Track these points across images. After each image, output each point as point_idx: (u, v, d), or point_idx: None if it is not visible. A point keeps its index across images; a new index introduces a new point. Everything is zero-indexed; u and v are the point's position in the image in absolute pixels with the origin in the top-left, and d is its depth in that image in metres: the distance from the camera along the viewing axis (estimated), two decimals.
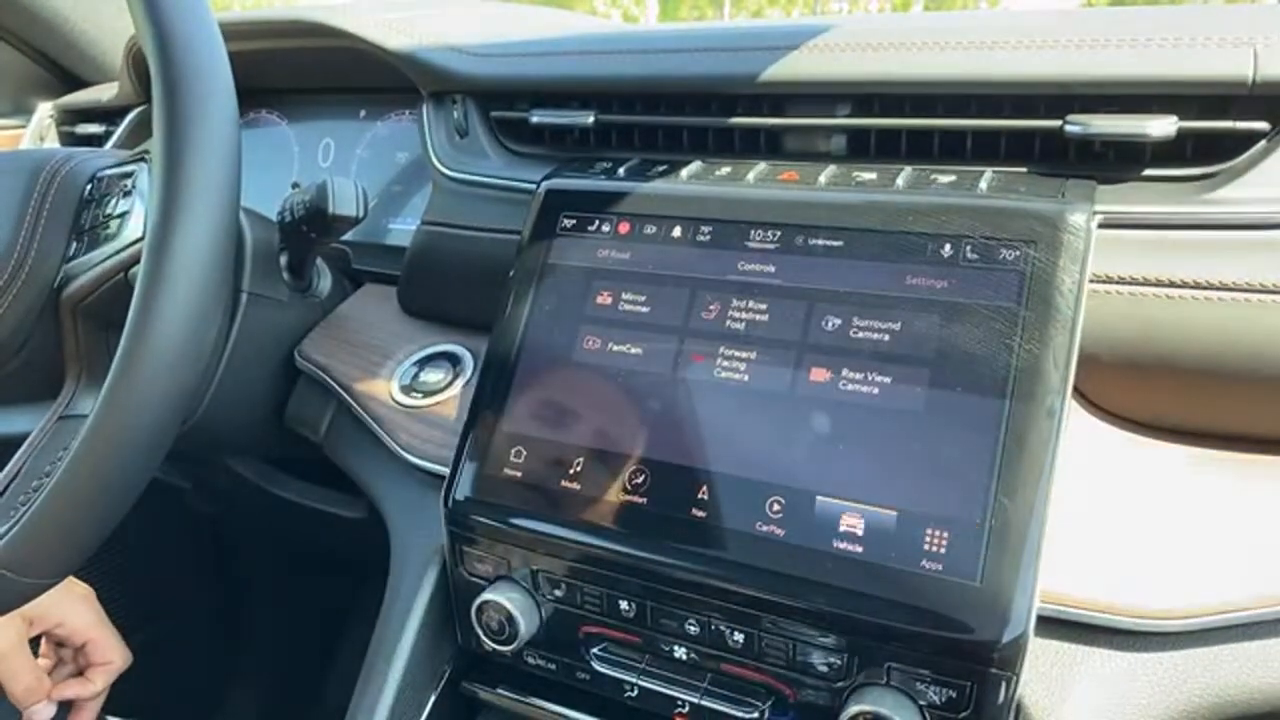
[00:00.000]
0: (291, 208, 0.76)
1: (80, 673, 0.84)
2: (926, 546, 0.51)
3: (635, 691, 0.61)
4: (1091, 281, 0.56)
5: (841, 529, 0.53)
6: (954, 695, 0.51)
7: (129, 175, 0.73)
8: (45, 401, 0.71)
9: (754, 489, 0.56)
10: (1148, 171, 0.61)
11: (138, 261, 0.55)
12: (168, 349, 0.49)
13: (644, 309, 0.63)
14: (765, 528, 0.55)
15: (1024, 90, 0.62)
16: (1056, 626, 0.53)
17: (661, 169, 0.69)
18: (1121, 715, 0.53)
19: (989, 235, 0.56)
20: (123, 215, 0.71)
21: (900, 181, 0.61)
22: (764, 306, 0.59)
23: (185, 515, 1.22)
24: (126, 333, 0.49)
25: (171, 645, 1.26)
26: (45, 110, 1.28)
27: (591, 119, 0.75)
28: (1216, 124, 0.58)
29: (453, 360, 0.77)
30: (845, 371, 0.56)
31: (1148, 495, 0.56)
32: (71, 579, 0.82)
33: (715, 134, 0.73)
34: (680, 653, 0.60)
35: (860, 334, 0.57)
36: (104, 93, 1.17)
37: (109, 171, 0.74)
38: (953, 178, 0.61)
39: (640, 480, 0.59)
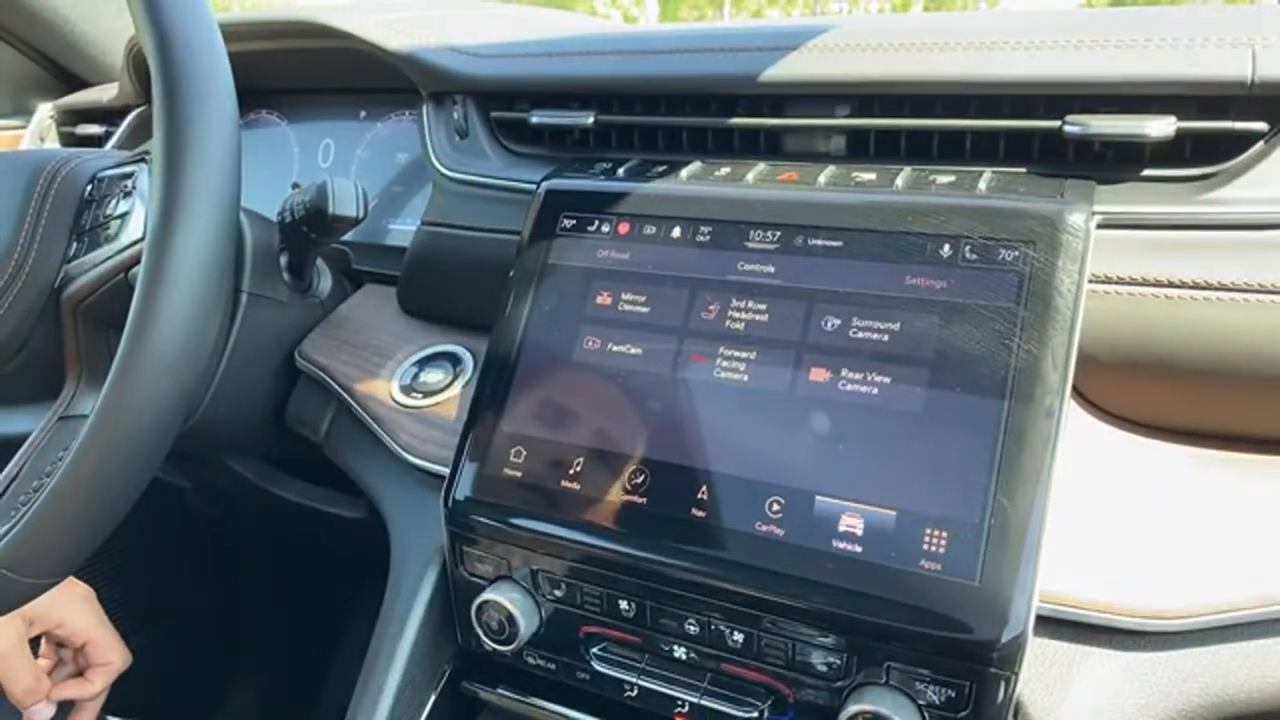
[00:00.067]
0: (291, 208, 0.76)
1: (80, 673, 0.84)
2: (926, 546, 0.51)
3: (635, 691, 0.61)
4: (1090, 282, 0.56)
5: (841, 529, 0.53)
6: (953, 695, 0.51)
7: (129, 176, 0.73)
8: (46, 402, 0.71)
9: (753, 489, 0.56)
10: (1147, 172, 0.61)
11: (138, 262, 0.55)
12: (168, 349, 0.49)
13: (644, 309, 0.63)
14: (765, 528, 0.55)
15: (1023, 90, 0.62)
16: (1055, 626, 0.53)
17: (661, 169, 0.69)
18: (1120, 715, 0.53)
19: (988, 235, 0.56)
20: (123, 216, 0.71)
21: (899, 182, 0.61)
22: (763, 307, 0.60)
23: (185, 515, 1.22)
24: (126, 333, 0.49)
25: (171, 645, 1.26)
26: (45, 111, 1.28)
27: (591, 119, 0.75)
28: (1215, 124, 0.59)
29: (453, 360, 0.77)
30: (844, 371, 0.56)
31: (1147, 495, 0.56)
32: (71, 579, 0.82)
33: (715, 134, 0.73)
34: (680, 652, 0.60)
35: (859, 334, 0.57)
36: (104, 93, 1.18)
37: (109, 172, 0.75)
38: (952, 178, 0.61)
39: (640, 480, 0.59)
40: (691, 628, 0.58)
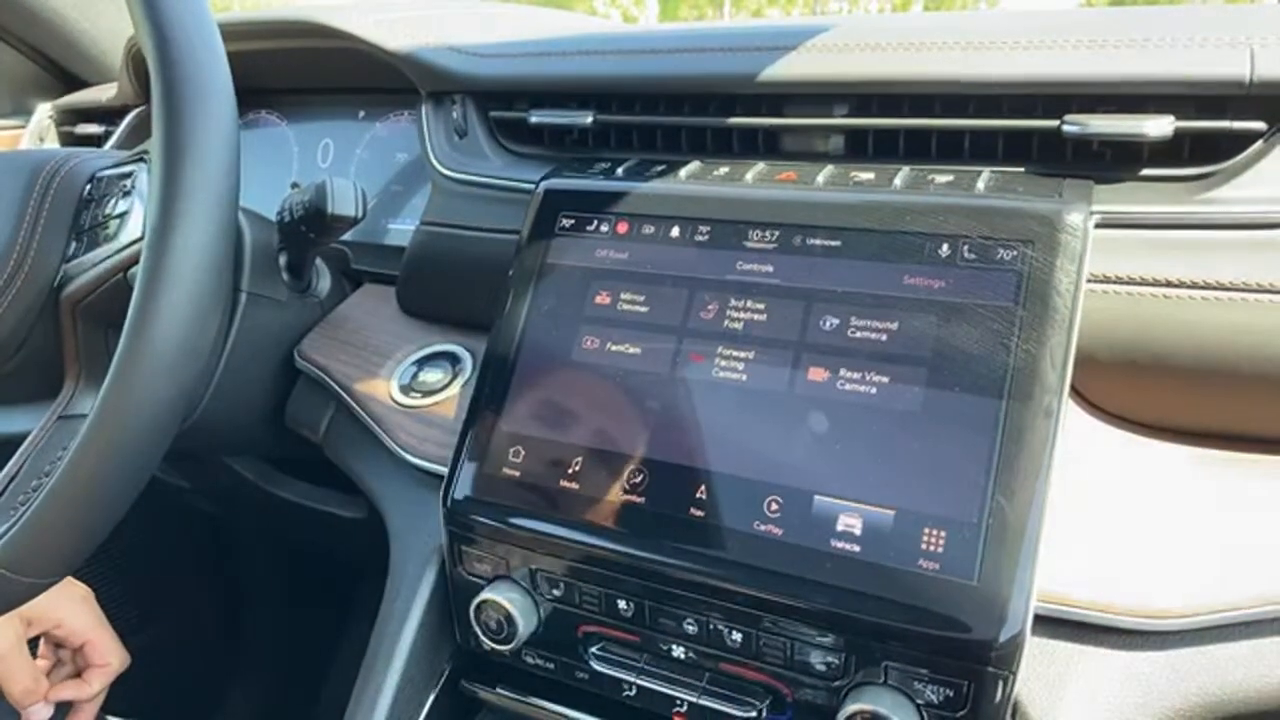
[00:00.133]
0: (290, 208, 0.76)
1: (78, 674, 0.84)
2: (924, 546, 0.51)
3: (634, 690, 0.61)
4: (1089, 281, 0.56)
5: (839, 528, 0.53)
6: (951, 694, 0.51)
7: (128, 175, 0.73)
8: (45, 401, 0.71)
9: (752, 488, 0.56)
10: (1145, 171, 0.61)
11: (137, 261, 0.55)
12: (167, 349, 0.49)
13: (642, 309, 0.63)
14: (763, 527, 0.55)
15: (1021, 90, 0.62)
16: (1054, 625, 0.53)
17: (660, 169, 0.69)
18: (1119, 714, 0.53)
19: (986, 235, 0.56)
20: (122, 215, 0.71)
21: (898, 181, 0.61)
22: (762, 306, 0.60)
23: (185, 515, 1.22)
24: (125, 332, 0.49)
25: (171, 645, 1.26)
26: (45, 110, 1.28)
27: (590, 119, 0.75)
28: (1214, 124, 0.59)
29: (452, 360, 0.77)
30: (843, 371, 0.56)
31: (1145, 495, 0.56)
32: (70, 579, 0.82)
33: (714, 134, 0.73)
34: (679, 652, 0.60)
35: (858, 334, 0.57)
36: (103, 93, 1.17)
37: (108, 172, 0.75)
38: (950, 178, 0.61)
39: (639, 480, 0.59)
40: (690, 627, 0.58)
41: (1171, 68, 0.58)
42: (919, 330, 0.55)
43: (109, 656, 0.83)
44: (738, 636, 0.57)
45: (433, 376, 0.76)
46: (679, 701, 0.60)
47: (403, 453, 0.72)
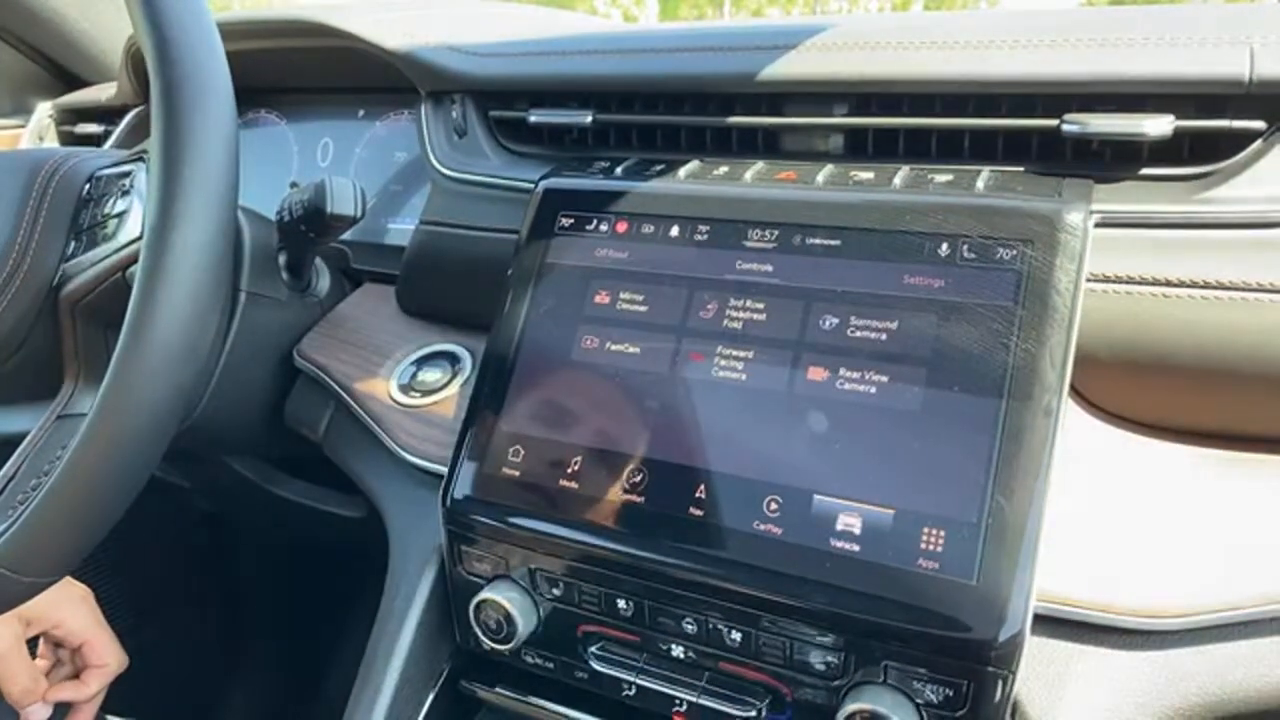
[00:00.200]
0: (290, 207, 0.76)
1: (77, 674, 0.84)
2: (923, 545, 0.51)
3: (633, 690, 0.61)
4: (1089, 280, 0.56)
5: (839, 528, 0.53)
6: (951, 694, 0.51)
7: (127, 175, 0.73)
8: (44, 400, 0.71)
9: (751, 488, 0.56)
10: (1145, 171, 0.61)
11: (136, 261, 0.55)
12: (166, 348, 0.49)
13: (642, 308, 0.63)
14: (763, 527, 0.55)
15: (1021, 90, 0.62)
16: (1053, 625, 0.53)
17: (659, 168, 0.69)
18: (1119, 714, 0.53)
19: (986, 234, 0.56)
20: (121, 215, 0.71)
21: (898, 181, 0.61)
22: (761, 306, 0.60)
23: (184, 514, 1.22)
24: (124, 332, 0.49)
25: (171, 644, 1.26)
26: (44, 110, 1.28)
27: (590, 118, 0.75)
28: (1213, 123, 0.59)
29: (451, 360, 0.77)
30: (842, 371, 0.56)
31: (1145, 494, 0.56)
32: (70, 579, 0.82)
33: (713, 133, 0.73)
34: (678, 651, 0.60)
35: (857, 333, 0.57)
36: (103, 92, 1.17)
37: (107, 171, 0.75)
38: (950, 177, 0.61)
39: (638, 479, 0.59)
40: (689, 627, 0.58)
41: (1171, 67, 0.58)
42: (918, 330, 0.55)
43: (107, 657, 0.83)
44: (737, 636, 0.57)
45: (432, 376, 0.76)
46: (678, 701, 0.60)
47: (402, 452, 0.72)
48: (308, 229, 0.76)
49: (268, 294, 0.79)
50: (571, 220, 0.67)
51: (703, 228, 0.63)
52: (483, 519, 0.63)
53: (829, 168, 0.65)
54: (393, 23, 0.85)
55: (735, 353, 0.59)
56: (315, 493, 0.96)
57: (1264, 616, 0.53)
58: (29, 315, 0.71)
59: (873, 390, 0.55)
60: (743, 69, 0.69)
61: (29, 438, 0.65)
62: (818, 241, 0.60)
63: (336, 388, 0.78)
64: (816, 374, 0.57)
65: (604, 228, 0.66)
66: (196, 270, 0.49)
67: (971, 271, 0.55)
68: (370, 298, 0.87)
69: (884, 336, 0.56)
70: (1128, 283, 0.57)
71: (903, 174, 0.62)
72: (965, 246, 0.56)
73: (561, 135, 0.78)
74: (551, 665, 0.65)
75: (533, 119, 0.77)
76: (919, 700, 0.52)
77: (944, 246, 0.57)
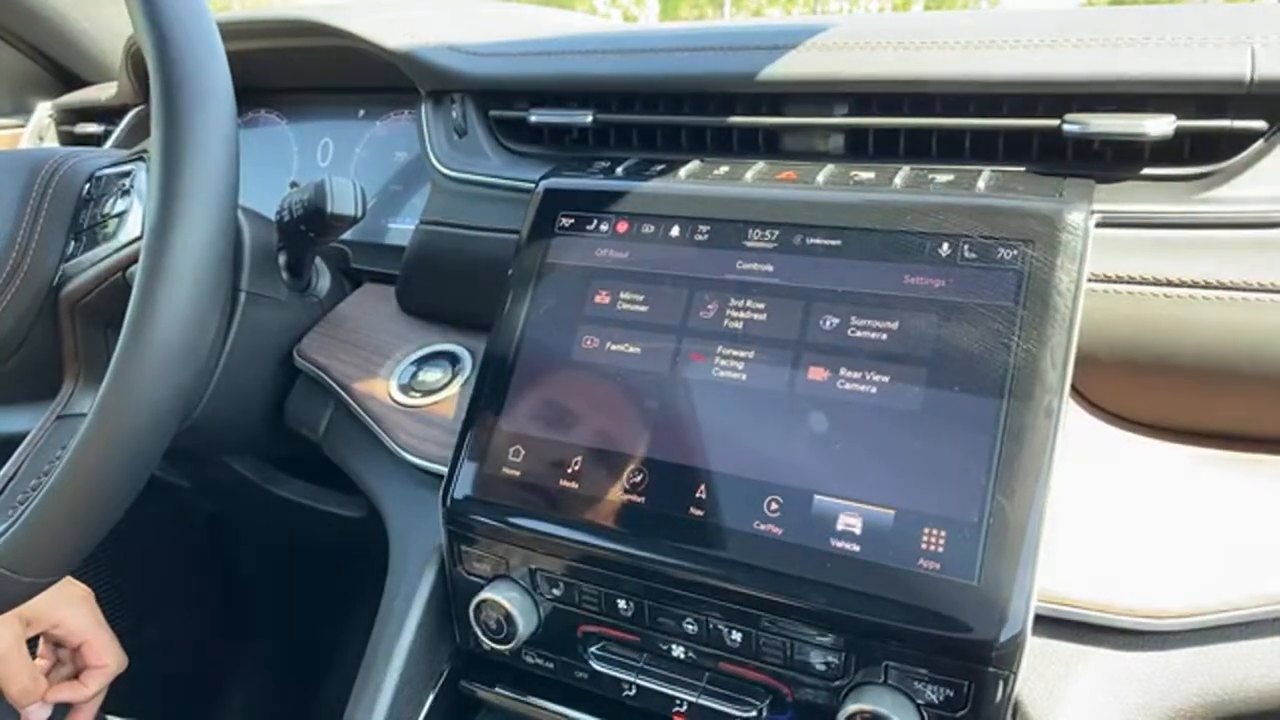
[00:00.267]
0: (290, 207, 0.76)
1: (78, 674, 0.84)
2: (924, 545, 0.51)
3: (634, 690, 0.61)
4: (1090, 280, 0.56)
5: (839, 528, 0.53)
6: (951, 694, 0.51)
7: (127, 175, 0.73)
8: (44, 401, 0.71)
9: (752, 488, 0.56)
10: (1146, 170, 0.61)
11: (136, 261, 0.55)
12: (166, 348, 0.49)
13: (642, 308, 0.63)
14: (763, 527, 0.55)
15: (1022, 89, 0.62)
16: (1054, 626, 0.53)
17: (660, 168, 0.69)
18: (1120, 714, 0.52)
19: (987, 234, 0.56)
20: (121, 214, 0.71)
21: (898, 181, 0.61)
22: (762, 306, 0.59)
23: (184, 514, 1.22)
24: (124, 332, 0.49)
25: (171, 644, 1.26)
26: (44, 110, 1.28)
27: (590, 118, 0.75)
28: (1214, 123, 0.58)
29: (451, 360, 0.77)
30: (843, 371, 0.56)
31: (1146, 495, 0.56)
32: (70, 579, 0.82)
33: (714, 133, 0.73)
34: (678, 651, 0.60)
35: (858, 333, 0.57)
36: (103, 92, 1.17)
37: (107, 171, 0.75)
38: (951, 177, 0.61)
39: (638, 479, 0.59)
40: (690, 627, 0.58)
41: (1172, 67, 0.58)
42: (919, 330, 0.55)
43: (106, 658, 0.83)
44: (737, 636, 0.57)
45: (432, 376, 0.76)
46: (679, 701, 0.60)
47: (402, 452, 0.72)
48: (308, 229, 0.76)
49: (268, 294, 0.79)
50: (572, 220, 0.67)
51: (703, 228, 0.63)
52: (483, 519, 0.63)
53: (829, 168, 0.65)
54: (393, 22, 0.85)
55: (736, 353, 0.59)
56: (315, 493, 0.96)
57: (1265, 617, 0.53)
58: (29, 315, 0.71)
59: (873, 390, 0.55)
60: (743, 69, 0.69)
61: (29, 438, 0.65)
62: (818, 241, 0.60)
63: (336, 388, 0.78)
64: (817, 374, 0.57)
65: (604, 228, 0.66)
66: (197, 270, 0.49)
67: (972, 271, 0.55)
68: (370, 298, 0.87)
69: (885, 336, 0.56)
70: (1129, 283, 0.57)
71: (903, 174, 0.62)
72: (966, 246, 0.56)
73: (562, 135, 0.78)
74: (552, 665, 0.65)
75: (533, 119, 0.77)
76: (920, 701, 0.52)
77: (945, 246, 0.56)
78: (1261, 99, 0.57)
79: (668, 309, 0.62)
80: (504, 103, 0.81)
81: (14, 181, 0.73)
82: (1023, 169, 0.63)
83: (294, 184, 1.00)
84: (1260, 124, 0.58)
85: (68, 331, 0.71)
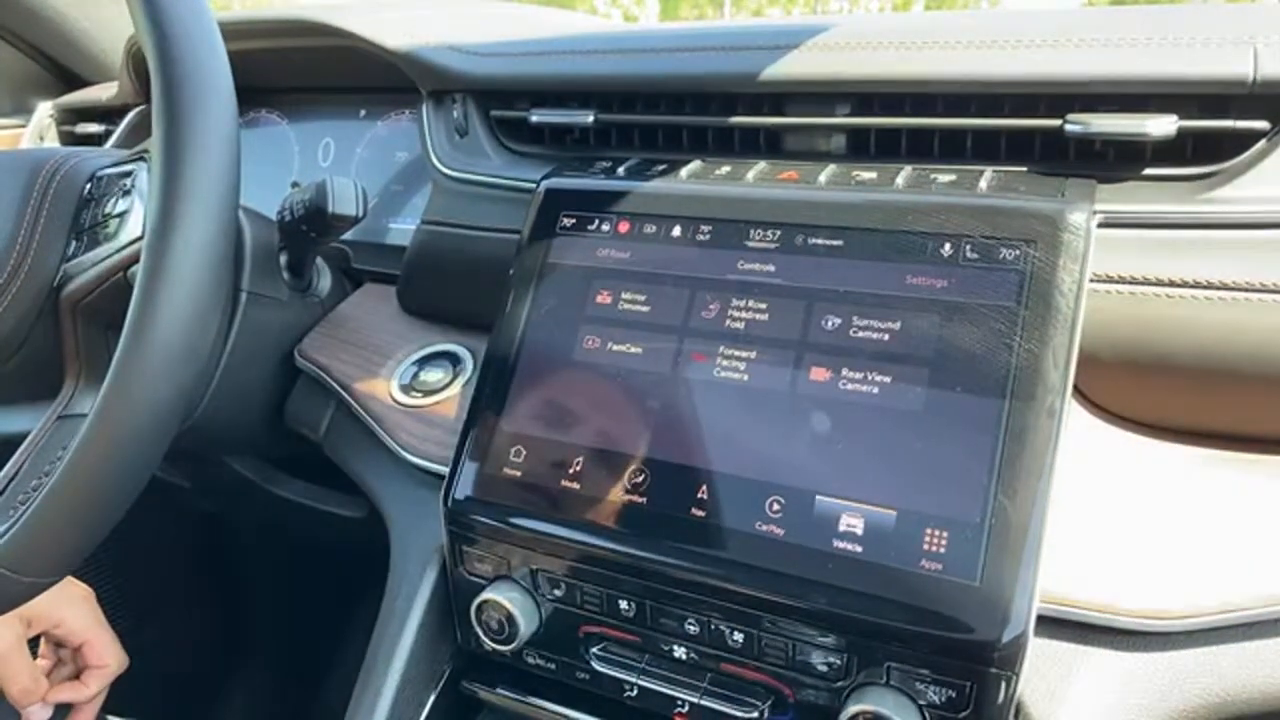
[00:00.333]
0: (291, 207, 0.76)
1: (78, 674, 0.84)
2: (926, 546, 0.51)
3: (635, 691, 0.61)
4: (1092, 281, 0.56)
5: (841, 528, 0.53)
6: (954, 695, 0.51)
7: (128, 174, 0.73)
8: (45, 401, 0.71)
9: (753, 488, 0.56)
10: (1148, 171, 0.61)
11: (137, 261, 0.55)
12: (167, 348, 0.49)
13: (644, 308, 0.62)
14: (765, 527, 0.55)
15: (1024, 89, 0.62)
16: (1056, 626, 0.53)
17: (661, 168, 0.69)
18: (1122, 715, 0.52)
19: (989, 234, 0.56)
20: (122, 214, 0.70)
21: (900, 181, 0.61)
22: (764, 306, 0.59)
23: (185, 514, 1.22)
24: (125, 332, 0.49)
25: (171, 644, 1.26)
26: (45, 110, 1.27)
27: (591, 118, 0.75)
28: (1216, 123, 0.58)
29: (452, 360, 0.77)
30: (845, 371, 0.56)
31: (1148, 495, 0.56)
32: (70, 579, 0.82)
33: (715, 133, 0.73)
34: (680, 652, 0.59)
35: (860, 333, 0.57)
36: (104, 92, 1.17)
37: (108, 171, 0.74)
38: (952, 177, 0.61)
39: (640, 480, 0.59)
40: (691, 627, 0.58)
41: (1174, 67, 0.58)
42: (921, 330, 0.55)
43: (107, 658, 0.83)
44: (739, 637, 0.56)
45: (433, 376, 0.76)
46: (680, 702, 0.60)
47: (403, 452, 0.72)
48: (309, 229, 0.76)
49: (269, 294, 0.79)
50: (573, 220, 0.67)
51: (705, 228, 0.63)
52: (484, 519, 0.63)
53: (831, 167, 0.65)
54: (394, 22, 0.85)
55: (737, 353, 0.59)
56: (315, 493, 0.96)
57: (1267, 617, 0.52)
58: (30, 315, 0.71)
59: (875, 390, 0.55)
60: (744, 69, 0.69)
61: (30, 438, 0.65)
62: (820, 241, 0.60)
63: (337, 388, 0.78)
64: (819, 374, 0.57)
65: (606, 228, 0.66)
66: (198, 270, 0.49)
67: (974, 272, 0.55)
68: (371, 298, 0.87)
69: (886, 337, 0.56)
70: (1131, 283, 0.57)
71: (905, 174, 0.62)
72: (968, 247, 0.56)
73: (563, 135, 0.78)
74: (553, 666, 0.65)
75: (534, 119, 0.77)
76: (922, 701, 0.52)
77: (947, 247, 0.56)
78: (1263, 99, 0.57)
79: (669, 309, 0.62)
80: (505, 103, 0.81)
81: (15, 181, 0.73)
82: (1025, 169, 0.63)
83: (295, 184, 0.99)
84: (1262, 124, 0.58)
85: (69, 332, 0.71)
